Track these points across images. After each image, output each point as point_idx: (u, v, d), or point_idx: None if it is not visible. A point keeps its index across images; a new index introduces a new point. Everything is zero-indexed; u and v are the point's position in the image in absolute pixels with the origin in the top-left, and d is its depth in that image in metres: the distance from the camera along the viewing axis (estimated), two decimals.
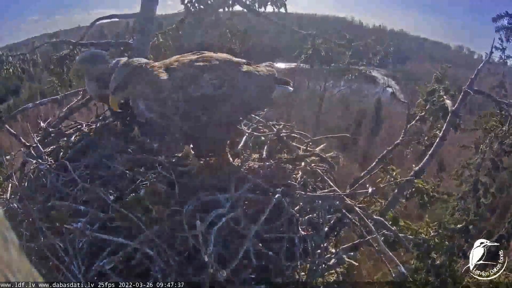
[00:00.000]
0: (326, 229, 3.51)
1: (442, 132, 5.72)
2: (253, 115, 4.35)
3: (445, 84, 6.46)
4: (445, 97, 6.29)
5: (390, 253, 3.45)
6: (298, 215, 3.13)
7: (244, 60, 3.20)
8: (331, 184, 3.67)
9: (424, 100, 6.52)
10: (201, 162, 3.37)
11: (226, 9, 6.95)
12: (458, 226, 5.95)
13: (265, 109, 3.54)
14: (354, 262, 3.86)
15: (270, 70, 3.33)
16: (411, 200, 6.63)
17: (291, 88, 3.48)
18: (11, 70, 6.93)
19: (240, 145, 3.74)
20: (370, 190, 4.03)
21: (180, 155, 3.57)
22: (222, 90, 2.89)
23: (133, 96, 2.93)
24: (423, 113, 6.50)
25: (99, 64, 3.82)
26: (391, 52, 7.75)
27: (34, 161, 3.53)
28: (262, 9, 6.88)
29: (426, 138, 6.71)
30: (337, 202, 3.52)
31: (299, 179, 3.50)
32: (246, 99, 3.06)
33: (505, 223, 6.35)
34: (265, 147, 3.83)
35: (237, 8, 7.11)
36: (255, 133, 4.07)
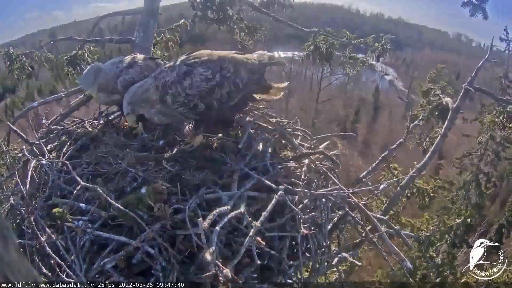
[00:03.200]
0: (329, 227, 3.49)
1: (443, 129, 5.75)
2: (256, 111, 4.35)
3: (441, 84, 6.51)
4: (441, 95, 6.33)
5: (397, 249, 3.43)
6: (301, 213, 3.09)
7: (233, 52, 3.64)
8: (336, 181, 3.64)
9: (426, 100, 6.57)
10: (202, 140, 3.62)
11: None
12: (458, 220, 5.98)
13: (263, 94, 3.76)
14: (357, 262, 3.85)
15: (260, 56, 3.71)
16: (412, 199, 6.68)
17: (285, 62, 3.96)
18: (21, 66, 7.03)
19: (243, 141, 3.71)
20: (381, 187, 4.04)
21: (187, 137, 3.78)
22: (215, 80, 3.36)
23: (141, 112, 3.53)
24: (425, 113, 6.55)
25: (101, 77, 3.85)
26: (388, 49, 7.78)
27: (37, 159, 3.51)
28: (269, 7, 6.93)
29: (428, 139, 6.74)
30: (340, 200, 3.49)
31: (302, 176, 3.47)
32: (239, 83, 3.47)
33: (505, 212, 6.39)
34: (269, 145, 3.79)
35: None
36: (258, 130, 4.03)
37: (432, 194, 6.49)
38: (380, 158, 6.34)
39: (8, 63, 7.16)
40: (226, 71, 3.40)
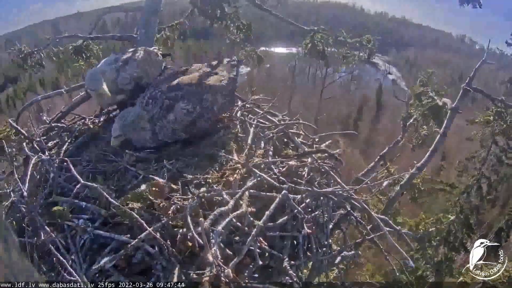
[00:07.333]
0: (330, 226, 3.47)
1: (442, 128, 5.79)
2: (257, 110, 4.35)
3: (432, 87, 6.58)
4: (435, 97, 6.39)
5: (400, 248, 3.42)
6: (303, 212, 3.06)
7: (207, 70, 3.91)
8: (338, 180, 3.61)
9: (418, 101, 6.64)
10: None
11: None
12: (452, 218, 6.04)
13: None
14: (359, 261, 3.83)
15: (231, 74, 3.97)
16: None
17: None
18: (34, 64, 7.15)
19: (249, 140, 3.68)
20: (385, 183, 4.04)
21: None
22: (196, 112, 3.58)
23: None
24: (416, 113, 6.63)
25: (105, 80, 3.80)
26: (375, 52, 7.87)
27: (37, 156, 3.48)
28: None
29: (416, 134, 6.83)
30: (343, 199, 3.47)
31: (305, 175, 3.44)
32: (215, 109, 3.75)
33: (505, 216, 6.43)
34: (271, 143, 3.76)
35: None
36: (261, 126, 4.00)
37: (422, 188, 6.58)
38: (378, 157, 6.40)
39: (20, 58, 7.28)
40: (205, 102, 3.64)
